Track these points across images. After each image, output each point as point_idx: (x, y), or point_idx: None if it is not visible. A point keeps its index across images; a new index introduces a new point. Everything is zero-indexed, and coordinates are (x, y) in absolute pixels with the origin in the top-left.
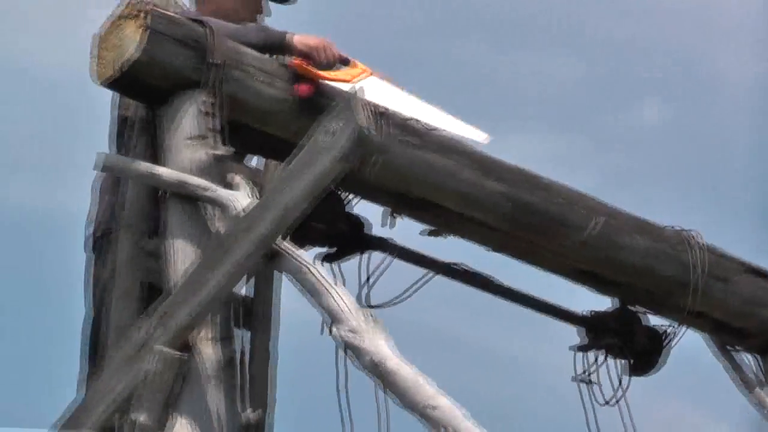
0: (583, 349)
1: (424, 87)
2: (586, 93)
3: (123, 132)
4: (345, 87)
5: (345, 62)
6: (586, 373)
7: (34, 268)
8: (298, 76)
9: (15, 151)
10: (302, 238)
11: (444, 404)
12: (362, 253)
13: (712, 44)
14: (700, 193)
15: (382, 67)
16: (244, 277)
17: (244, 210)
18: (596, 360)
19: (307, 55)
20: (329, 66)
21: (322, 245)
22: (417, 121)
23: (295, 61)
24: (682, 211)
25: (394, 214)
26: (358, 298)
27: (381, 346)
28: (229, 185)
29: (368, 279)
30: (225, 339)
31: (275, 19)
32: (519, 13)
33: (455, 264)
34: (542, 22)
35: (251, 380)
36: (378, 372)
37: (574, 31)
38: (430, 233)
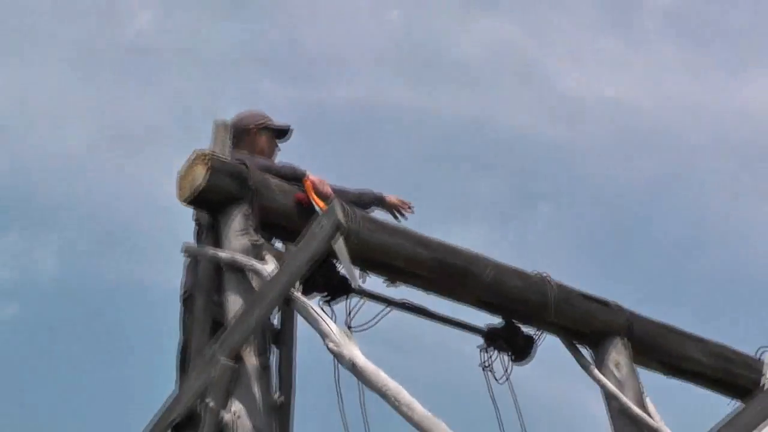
0: (483, 348)
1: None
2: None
3: (199, 231)
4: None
5: (328, 198)
6: (486, 363)
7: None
8: (301, 191)
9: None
10: (309, 289)
11: (393, 385)
12: (347, 297)
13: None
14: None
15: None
16: (273, 313)
17: (270, 275)
18: (491, 355)
19: (313, 183)
20: (321, 195)
21: (321, 293)
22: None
23: (307, 181)
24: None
25: (365, 272)
26: (346, 324)
27: (353, 352)
28: (262, 260)
29: (349, 313)
30: (262, 353)
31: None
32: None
33: (404, 300)
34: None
35: (280, 377)
36: (353, 369)
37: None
38: (388, 282)
